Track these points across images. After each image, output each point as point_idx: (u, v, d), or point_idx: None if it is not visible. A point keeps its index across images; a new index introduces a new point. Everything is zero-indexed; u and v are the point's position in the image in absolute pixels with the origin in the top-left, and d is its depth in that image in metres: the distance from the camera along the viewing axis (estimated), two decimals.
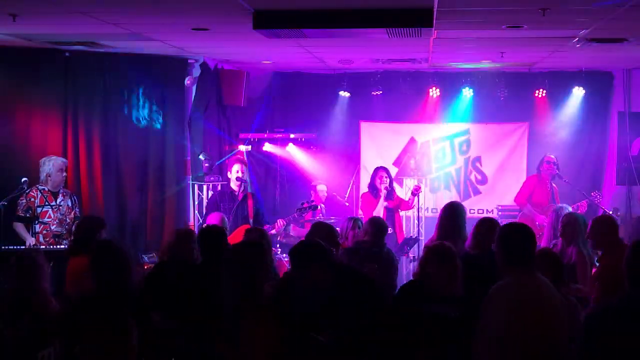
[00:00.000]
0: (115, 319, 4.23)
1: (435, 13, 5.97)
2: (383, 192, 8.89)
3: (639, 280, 3.63)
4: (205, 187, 9.57)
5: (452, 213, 6.29)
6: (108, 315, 4.25)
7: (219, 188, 9.35)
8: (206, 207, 8.76)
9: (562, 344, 3.99)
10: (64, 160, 7.89)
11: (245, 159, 9.16)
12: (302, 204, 8.97)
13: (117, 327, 4.20)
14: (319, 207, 9.36)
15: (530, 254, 4.06)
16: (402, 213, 9.73)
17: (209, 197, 9.26)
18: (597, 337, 3.58)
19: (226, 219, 7.19)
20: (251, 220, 8.15)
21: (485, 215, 10.71)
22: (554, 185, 9.76)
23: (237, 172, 8.39)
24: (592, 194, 9.70)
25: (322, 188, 10.52)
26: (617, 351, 3.52)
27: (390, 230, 8.74)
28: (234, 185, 8.41)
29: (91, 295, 4.49)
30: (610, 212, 9.22)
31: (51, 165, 7.58)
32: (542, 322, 3.95)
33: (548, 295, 4.03)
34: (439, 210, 10.89)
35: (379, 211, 8.77)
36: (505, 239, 4.11)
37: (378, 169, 9.19)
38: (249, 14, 6.10)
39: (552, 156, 9.77)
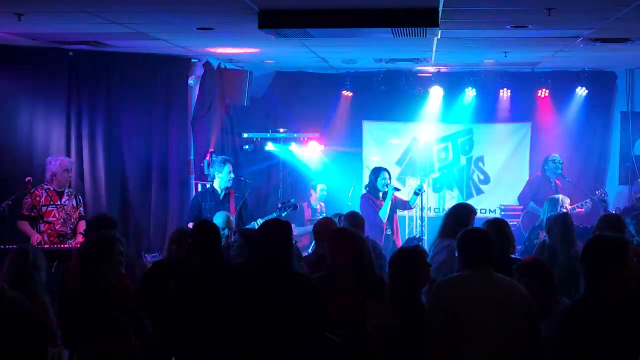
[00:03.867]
0: (104, 315, 4.21)
1: (440, 13, 5.98)
2: (390, 192, 8.71)
3: (593, 274, 3.71)
4: (208, 186, 9.54)
5: (454, 213, 6.27)
6: (96, 310, 4.24)
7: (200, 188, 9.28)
8: (189, 208, 8.52)
9: (517, 336, 4.08)
10: (70, 160, 7.91)
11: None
12: (282, 202, 8.88)
13: (109, 326, 4.17)
14: (297, 205, 9.05)
15: (482, 255, 4.25)
16: (402, 213, 9.69)
17: (192, 198, 9.14)
18: (567, 333, 3.67)
19: (232, 218, 7.12)
20: (233, 218, 7.87)
21: (488, 215, 10.73)
22: (557, 183, 9.78)
23: (230, 172, 8.17)
24: (597, 191, 9.72)
25: (320, 187, 10.53)
26: (584, 345, 3.59)
27: (389, 232, 8.75)
28: (221, 185, 8.16)
29: (76, 288, 4.52)
30: (614, 212, 9.22)
31: (57, 165, 7.59)
32: (493, 312, 4.07)
33: (498, 289, 4.17)
34: (441, 210, 11.07)
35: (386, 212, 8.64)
36: (461, 242, 4.36)
37: (381, 170, 8.96)
38: (254, 13, 6.10)
39: (557, 155, 9.78)
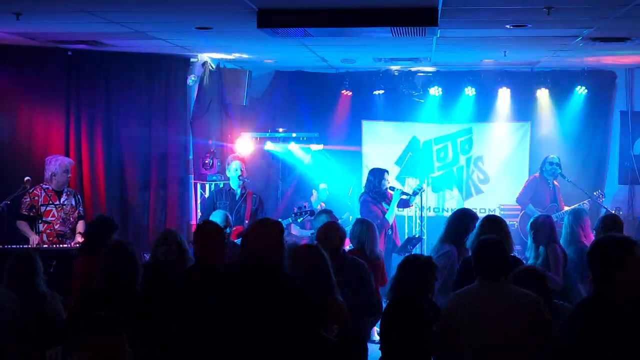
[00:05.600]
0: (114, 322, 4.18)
1: (439, 12, 5.97)
2: (397, 197, 8.63)
3: (601, 278, 3.71)
4: (207, 186, 9.55)
5: (454, 219, 6.27)
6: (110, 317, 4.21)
7: (199, 188, 9.24)
8: (202, 205, 8.48)
9: (522, 347, 4.10)
10: (70, 160, 7.91)
11: (243, 156, 8.94)
12: (298, 208, 8.79)
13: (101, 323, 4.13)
14: (314, 212, 8.92)
15: (494, 266, 4.29)
16: (402, 213, 9.67)
17: (207, 195, 9.13)
18: (572, 332, 3.70)
19: (230, 217, 7.05)
20: (247, 222, 7.81)
21: (487, 214, 10.70)
22: (555, 184, 9.76)
23: (237, 170, 8.09)
24: (595, 193, 9.70)
25: (322, 187, 10.50)
26: (589, 345, 3.60)
27: (390, 232, 8.73)
28: (233, 184, 8.13)
29: (96, 294, 4.49)
30: (613, 212, 9.21)
31: (57, 165, 7.58)
32: (498, 324, 4.10)
33: (509, 300, 4.18)
34: (441, 210, 11.06)
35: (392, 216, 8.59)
36: (476, 253, 4.42)
37: (383, 171, 8.87)
38: (253, 13, 6.10)
39: (555, 156, 9.77)
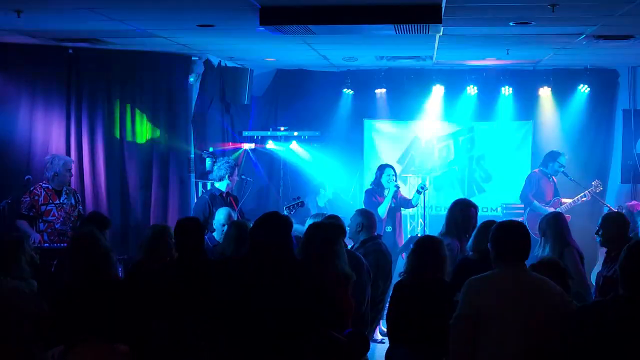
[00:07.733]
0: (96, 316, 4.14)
1: (443, 9, 5.95)
2: (392, 190, 8.76)
3: (631, 284, 3.68)
4: (209, 184, 9.51)
5: (450, 211, 6.30)
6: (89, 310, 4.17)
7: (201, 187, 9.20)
8: (194, 211, 8.33)
9: (549, 338, 3.94)
10: (72, 160, 7.89)
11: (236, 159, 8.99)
12: (288, 202, 8.80)
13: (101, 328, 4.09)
14: (304, 203, 8.96)
15: (518, 250, 4.07)
16: (405, 212, 9.69)
17: (196, 201, 9.05)
18: (582, 332, 3.69)
19: (233, 214, 7.04)
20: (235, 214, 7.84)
21: (489, 213, 10.69)
22: (554, 179, 9.78)
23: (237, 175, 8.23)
24: (593, 183, 9.70)
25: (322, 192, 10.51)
26: (598, 349, 3.61)
27: (389, 229, 8.74)
28: (222, 187, 8.07)
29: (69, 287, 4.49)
30: (615, 210, 9.19)
31: (60, 165, 7.54)
32: (524, 314, 3.91)
33: (537, 289, 4.00)
34: (443, 209, 11.00)
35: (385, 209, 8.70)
36: (495, 236, 4.15)
37: (385, 166, 9.08)
38: (256, 10, 6.07)
39: (563, 156, 9.77)
